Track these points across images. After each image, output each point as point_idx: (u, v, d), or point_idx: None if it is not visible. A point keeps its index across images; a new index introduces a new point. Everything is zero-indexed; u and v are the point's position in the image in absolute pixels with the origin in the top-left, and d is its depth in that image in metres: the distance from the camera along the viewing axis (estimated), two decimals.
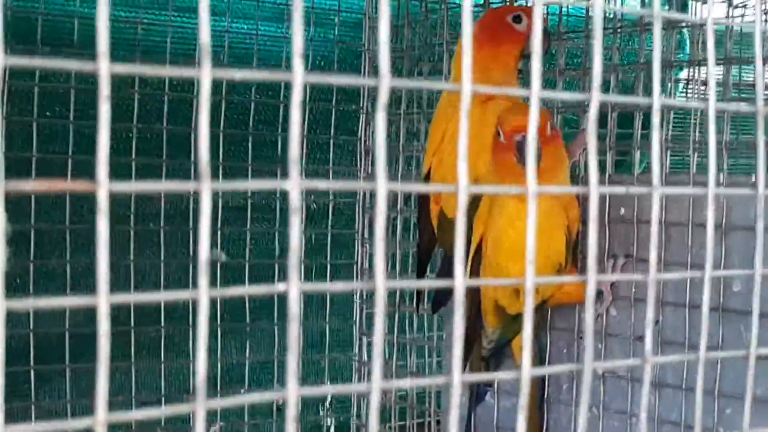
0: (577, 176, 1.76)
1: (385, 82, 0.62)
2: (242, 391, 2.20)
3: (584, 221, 1.69)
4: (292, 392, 0.60)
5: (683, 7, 2.39)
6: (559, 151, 1.61)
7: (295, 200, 0.60)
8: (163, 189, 0.57)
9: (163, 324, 2.10)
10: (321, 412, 2.37)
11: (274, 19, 2.20)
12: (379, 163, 0.64)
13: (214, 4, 2.18)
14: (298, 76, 0.59)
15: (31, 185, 0.53)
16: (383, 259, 0.64)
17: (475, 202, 1.76)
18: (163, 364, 2.09)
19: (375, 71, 2.20)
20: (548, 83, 1.91)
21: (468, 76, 0.66)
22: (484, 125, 1.63)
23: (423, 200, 1.89)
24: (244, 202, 2.22)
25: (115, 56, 0.50)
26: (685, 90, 2.53)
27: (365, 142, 2.22)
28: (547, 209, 1.60)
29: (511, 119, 1.55)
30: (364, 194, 2.21)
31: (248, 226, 2.20)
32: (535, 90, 0.67)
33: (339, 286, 0.63)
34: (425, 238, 1.89)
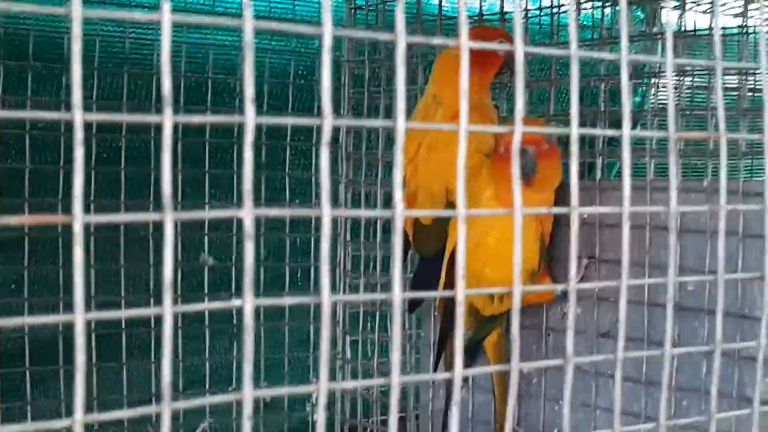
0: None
1: (328, 121, 0.72)
2: (230, 388, 2.29)
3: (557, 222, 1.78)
4: (248, 395, 0.69)
5: (653, 14, 2.48)
6: (553, 165, 1.68)
7: (249, 227, 0.70)
8: (129, 220, 0.66)
9: (153, 326, 2.18)
10: (307, 409, 2.46)
11: None
12: (323, 193, 0.73)
13: None
14: (250, 120, 0.68)
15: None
16: (328, 276, 0.73)
17: (447, 208, 1.85)
18: (153, 364, 2.18)
19: (354, 81, 2.30)
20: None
21: (402, 111, 0.75)
22: (455, 137, 1.71)
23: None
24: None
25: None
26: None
27: (346, 148, 2.31)
28: (523, 219, 1.68)
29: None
30: (345, 196, 2.30)
31: (234, 231, 2.28)
32: (464, 126, 0.77)
33: (289, 300, 0.72)
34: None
